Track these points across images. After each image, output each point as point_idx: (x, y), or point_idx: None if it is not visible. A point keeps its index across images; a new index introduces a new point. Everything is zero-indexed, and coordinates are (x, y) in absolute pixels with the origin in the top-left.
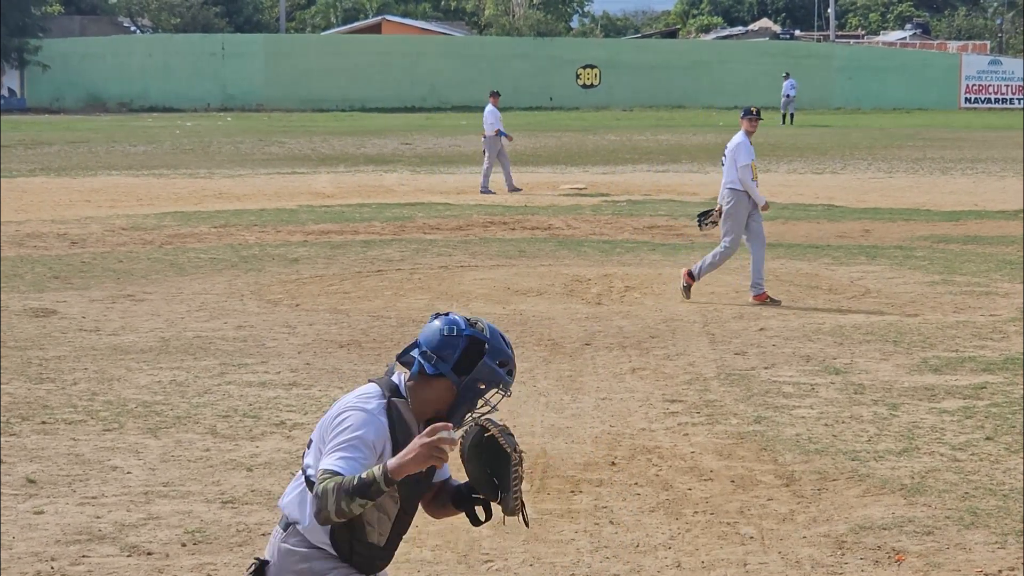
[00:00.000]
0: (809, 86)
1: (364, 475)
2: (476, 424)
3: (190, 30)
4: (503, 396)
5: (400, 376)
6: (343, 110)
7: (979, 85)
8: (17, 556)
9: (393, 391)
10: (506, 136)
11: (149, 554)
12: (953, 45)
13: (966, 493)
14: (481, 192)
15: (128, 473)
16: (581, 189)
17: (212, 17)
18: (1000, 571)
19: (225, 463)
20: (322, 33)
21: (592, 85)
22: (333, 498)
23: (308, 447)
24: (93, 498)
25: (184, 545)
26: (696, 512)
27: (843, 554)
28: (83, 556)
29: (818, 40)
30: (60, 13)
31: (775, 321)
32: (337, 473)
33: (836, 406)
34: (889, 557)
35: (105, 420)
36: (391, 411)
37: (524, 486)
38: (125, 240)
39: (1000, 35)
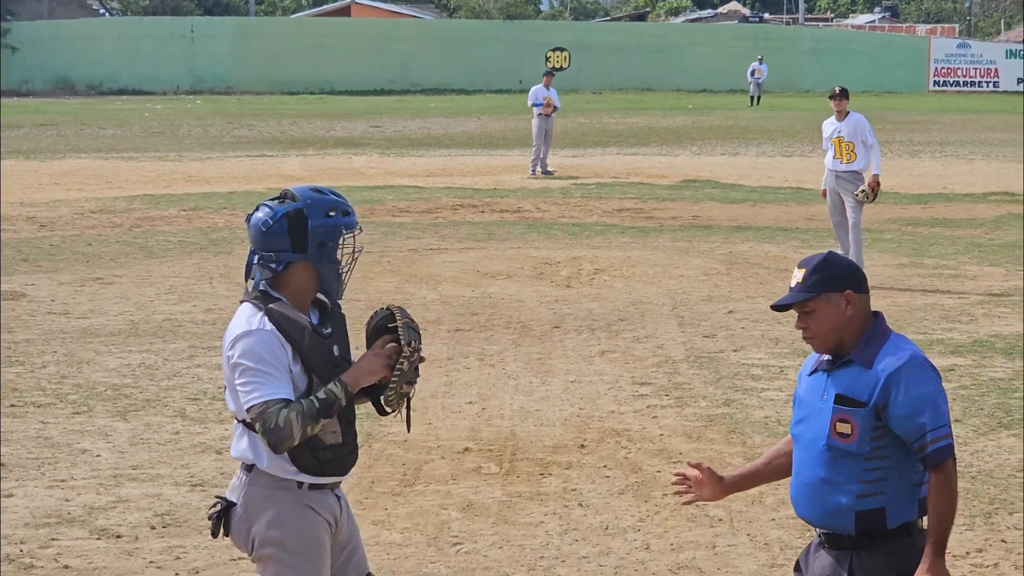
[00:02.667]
0: (778, 69)
1: (323, 396)
2: (388, 308)
3: (159, 13)
4: (357, 234)
5: (266, 283)
6: (312, 93)
7: (948, 68)
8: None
9: (266, 299)
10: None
11: (118, 537)
12: (922, 28)
13: None
14: (544, 173)
15: (97, 456)
16: (550, 172)
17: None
18: (968, 553)
19: (194, 446)
20: (292, 16)
21: (561, 68)
22: (298, 425)
23: (227, 391)
24: (62, 481)
25: (153, 528)
26: (665, 494)
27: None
28: (52, 539)
29: (787, 23)
30: None
31: (744, 304)
32: (280, 400)
33: None
34: None
35: (74, 403)
36: (272, 317)
37: (411, 389)
38: (94, 223)
39: (969, 18)
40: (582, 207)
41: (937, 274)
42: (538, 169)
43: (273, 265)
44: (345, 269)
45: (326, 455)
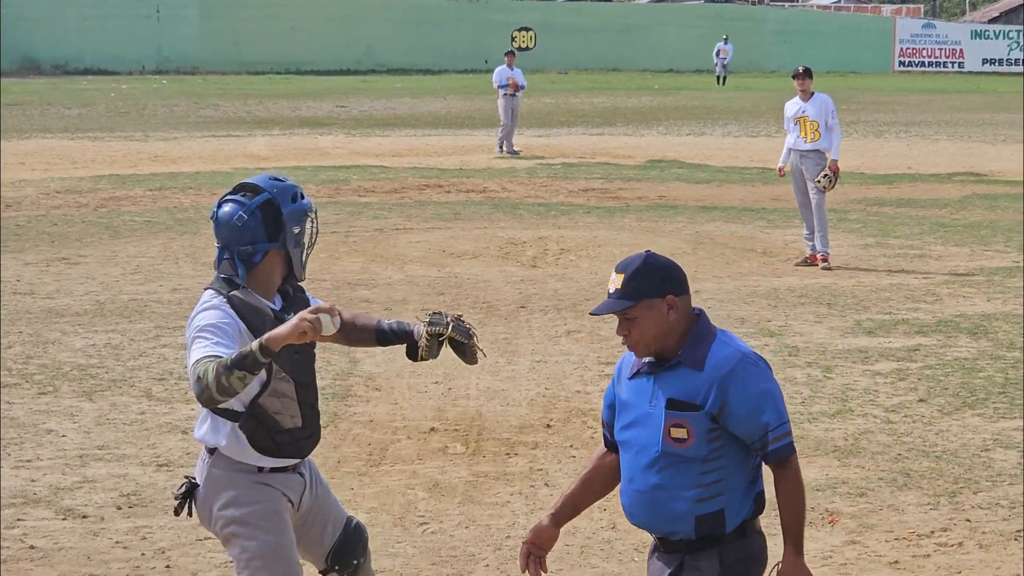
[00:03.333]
0: (743, 49)
1: (241, 349)
2: (430, 335)
3: None
4: (314, 219)
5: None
6: (278, 73)
7: (913, 48)
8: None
9: (230, 286)
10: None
11: (84, 517)
12: (887, 8)
13: (899, 455)
14: (509, 153)
15: (63, 436)
16: (516, 152)
17: None
18: (932, 532)
19: (160, 426)
20: None
21: (527, 48)
22: (213, 376)
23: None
24: (28, 461)
25: (119, 508)
26: None
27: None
28: (18, 520)
29: (753, 3)
30: None
31: (710, 284)
32: (212, 357)
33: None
34: (822, 518)
35: (40, 383)
36: (233, 303)
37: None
38: (59, 203)
39: None
40: (548, 187)
41: (902, 254)
42: (504, 147)
43: (255, 258)
44: (309, 250)
45: (283, 438)
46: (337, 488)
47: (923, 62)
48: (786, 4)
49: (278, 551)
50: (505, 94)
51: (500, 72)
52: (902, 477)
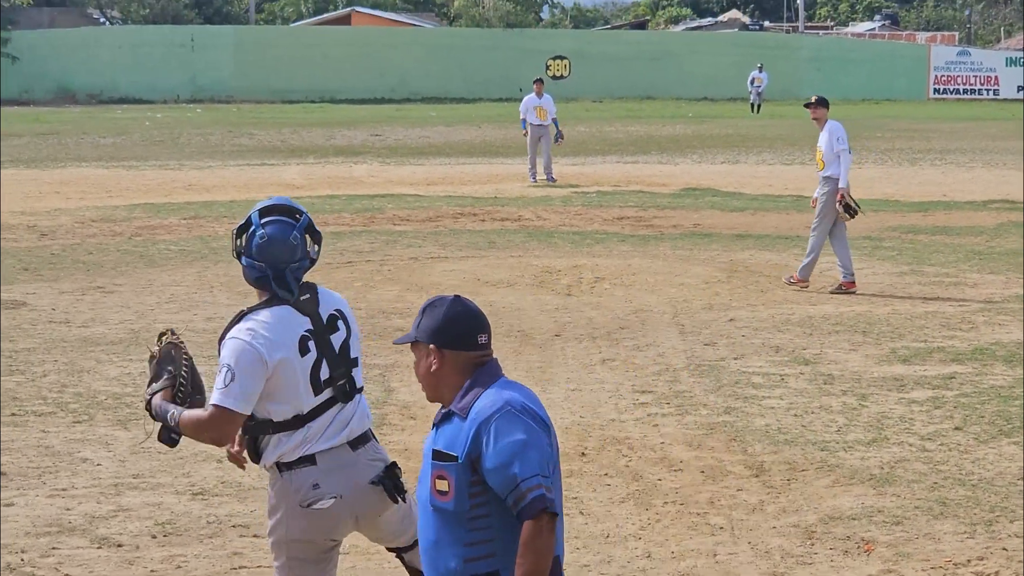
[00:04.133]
0: (778, 77)
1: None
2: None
3: (159, 21)
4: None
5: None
6: (312, 101)
7: (948, 76)
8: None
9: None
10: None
11: (119, 546)
12: (922, 36)
13: (935, 483)
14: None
15: (98, 465)
16: (553, 180)
17: (181, 8)
18: (969, 561)
19: (195, 454)
20: (292, 24)
21: (562, 76)
22: None
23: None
24: (63, 490)
25: (154, 537)
26: (666, 503)
27: (812, 544)
28: (53, 548)
29: (787, 31)
30: (29, 5)
31: (744, 312)
32: None
33: (805, 396)
34: (858, 547)
35: (75, 412)
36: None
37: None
38: (95, 232)
39: (968, 26)
40: (583, 215)
41: (938, 282)
42: (536, 176)
43: (299, 274)
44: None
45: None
46: None
47: (958, 89)
48: (820, 32)
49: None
50: (533, 124)
51: (528, 101)
52: (938, 506)
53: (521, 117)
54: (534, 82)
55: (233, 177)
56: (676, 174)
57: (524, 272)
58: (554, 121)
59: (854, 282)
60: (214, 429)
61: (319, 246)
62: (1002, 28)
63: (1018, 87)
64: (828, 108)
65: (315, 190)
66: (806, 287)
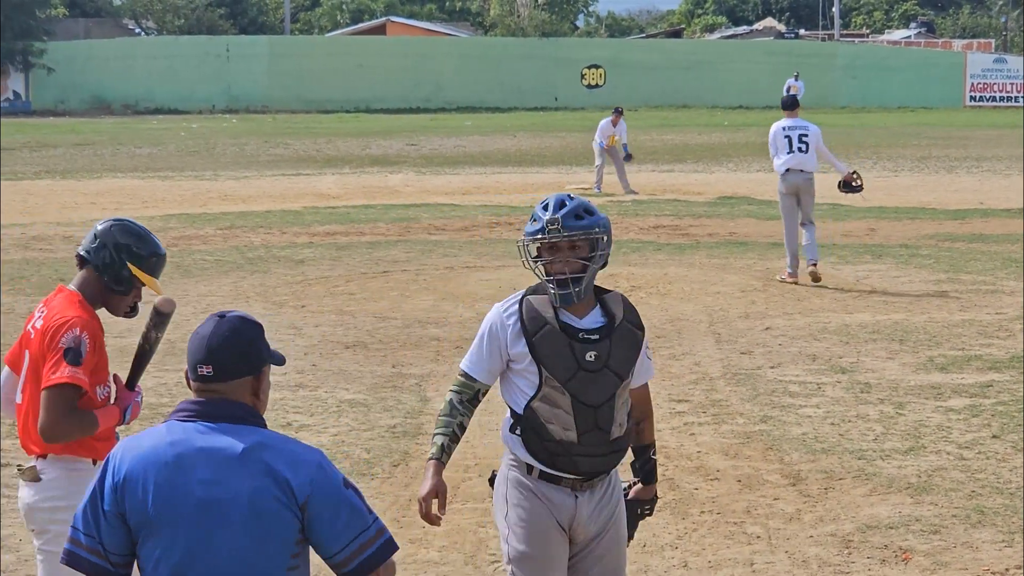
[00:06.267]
0: (814, 85)
1: None
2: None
3: (194, 32)
4: None
5: None
6: (348, 111)
7: (984, 83)
8: (24, 559)
9: None
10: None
11: None
12: (958, 43)
13: (973, 492)
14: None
15: None
16: (586, 189)
17: (216, 19)
18: (1007, 569)
19: None
20: (327, 35)
21: (597, 85)
22: None
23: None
24: None
25: None
26: (703, 512)
27: (850, 553)
28: None
29: (822, 39)
30: (65, 16)
31: (781, 320)
32: None
33: (842, 405)
34: (896, 556)
35: None
36: None
37: None
38: None
39: (1005, 33)
40: (618, 224)
41: (975, 290)
42: (602, 186)
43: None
44: None
45: (552, 447)
46: (409, 526)
47: (994, 96)
48: (856, 40)
49: (524, 562)
50: (603, 146)
51: (603, 128)
52: (976, 514)
53: (596, 140)
54: (613, 111)
55: (268, 187)
56: (712, 183)
57: None
58: (624, 146)
59: (796, 275)
60: None
61: None
62: None
63: None
64: (790, 109)
65: (351, 200)
66: (795, 282)
